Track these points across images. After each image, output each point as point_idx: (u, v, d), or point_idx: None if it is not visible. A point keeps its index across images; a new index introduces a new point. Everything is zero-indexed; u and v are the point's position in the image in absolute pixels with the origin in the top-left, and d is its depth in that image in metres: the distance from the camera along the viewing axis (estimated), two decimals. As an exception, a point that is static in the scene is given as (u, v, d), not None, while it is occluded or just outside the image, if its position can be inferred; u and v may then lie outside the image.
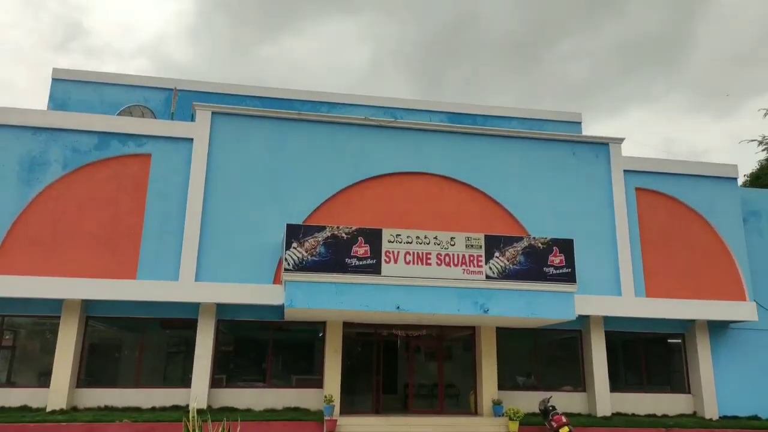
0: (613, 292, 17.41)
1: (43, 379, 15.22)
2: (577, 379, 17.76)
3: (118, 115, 18.56)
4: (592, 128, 67.65)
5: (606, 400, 16.88)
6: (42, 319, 15.86)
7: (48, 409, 14.43)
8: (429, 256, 15.15)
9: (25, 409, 14.49)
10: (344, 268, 14.65)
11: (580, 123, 22.64)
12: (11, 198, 15.49)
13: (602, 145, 18.88)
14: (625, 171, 18.63)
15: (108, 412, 14.57)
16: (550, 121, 22.16)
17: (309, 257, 14.58)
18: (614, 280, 17.54)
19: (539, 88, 67.35)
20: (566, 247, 15.78)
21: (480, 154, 18.13)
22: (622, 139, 19.08)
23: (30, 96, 61.82)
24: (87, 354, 15.83)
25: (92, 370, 15.90)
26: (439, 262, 15.12)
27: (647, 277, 17.79)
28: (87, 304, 15.68)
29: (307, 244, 14.66)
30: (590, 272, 17.13)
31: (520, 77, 67.79)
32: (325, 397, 15.25)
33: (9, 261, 15.04)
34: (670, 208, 18.70)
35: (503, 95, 66.81)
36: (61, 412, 14.35)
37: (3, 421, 13.60)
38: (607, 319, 17.60)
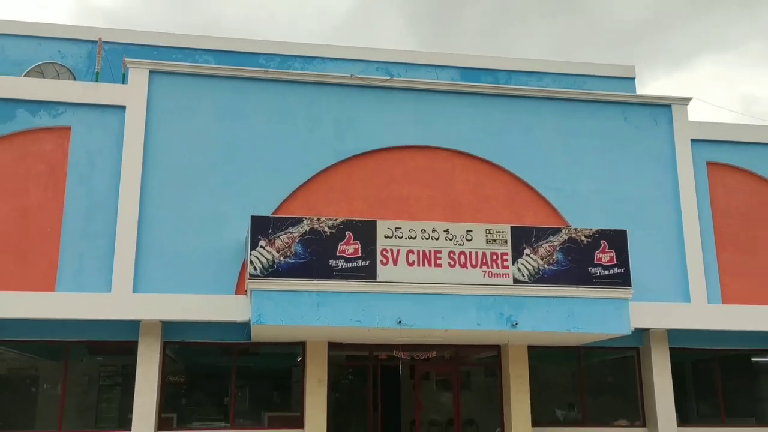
0: (680, 297, 17.54)
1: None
2: (635, 411, 17.95)
3: (24, 76, 18.47)
4: (649, 86, 67.76)
5: (673, 437, 17.04)
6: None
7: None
8: (439, 254, 15.24)
9: None
10: (328, 273, 14.72)
11: (633, 79, 22.72)
12: None
13: (663, 107, 18.96)
14: (692, 140, 18.74)
15: (22, 466, 14.59)
16: (595, 76, 22.23)
17: (282, 259, 14.63)
18: (681, 282, 17.67)
19: (580, 34, 67.24)
20: (618, 240, 15.85)
21: (504, 121, 18.20)
22: (689, 99, 19.17)
23: None
24: (-8, 390, 15.86)
25: (1, 410, 15.90)
26: (452, 262, 15.19)
27: (723, 279, 17.92)
28: (-10, 326, 15.67)
29: (278, 242, 14.70)
30: (649, 273, 17.24)
31: (554, 19, 67.57)
32: (307, 440, 15.34)
33: None
34: (753, 187, 18.82)
35: (533, 44, 66.57)
36: (-40, 467, 14.37)
37: None
38: (672, 333, 17.72)
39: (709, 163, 18.77)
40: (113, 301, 15.44)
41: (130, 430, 15.37)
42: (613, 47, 66.44)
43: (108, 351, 16.82)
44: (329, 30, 66.13)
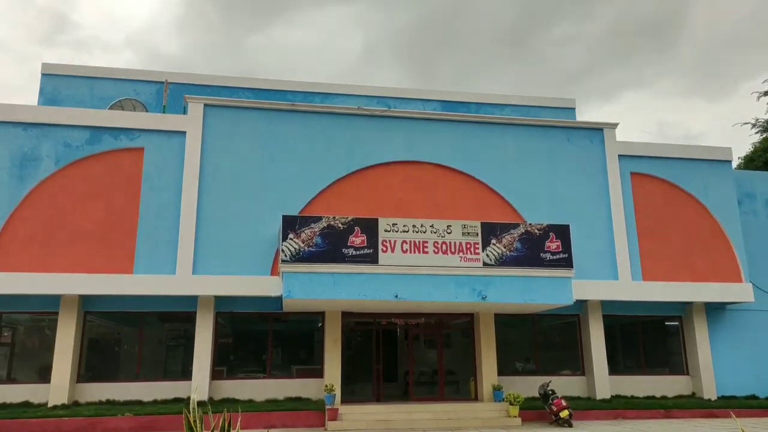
0: (610, 276, 17.60)
1: (44, 374, 15.31)
2: (576, 363, 17.99)
3: (109, 109, 18.54)
4: (586, 114, 67.85)
5: (605, 383, 17.12)
6: (40, 315, 15.92)
7: (49, 405, 14.55)
8: (426, 244, 15.26)
9: (26, 405, 14.60)
10: (341, 258, 14.76)
11: (573, 109, 22.76)
12: (4, 195, 15.52)
13: (596, 131, 18.99)
14: (619, 156, 18.79)
15: (110, 406, 14.70)
16: (544, 107, 22.26)
17: (306, 248, 14.65)
18: (611, 264, 17.72)
19: (532, 76, 67.35)
20: (563, 232, 15.92)
21: (474, 141, 18.23)
22: (616, 124, 19.19)
23: (19, 91, 61.37)
24: (86, 349, 15.94)
25: (92, 365, 16.00)
26: (436, 250, 15.24)
27: (644, 261, 17.99)
28: (84, 300, 15.73)
29: (303, 235, 14.72)
30: (587, 257, 17.30)
31: (512, 65, 67.72)
32: (326, 386, 15.38)
33: (5, 258, 15.08)
34: (666, 191, 18.87)
35: (496, 83, 66.76)
36: (63, 407, 14.45)
37: (5, 417, 13.71)
38: (604, 304, 17.80)
39: (632, 173, 18.83)
40: (177, 281, 15.50)
41: (191, 379, 15.45)
42: (559, 86, 66.59)
43: (173, 319, 16.82)
44: (341, 72, 66.23)
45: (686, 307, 18.48)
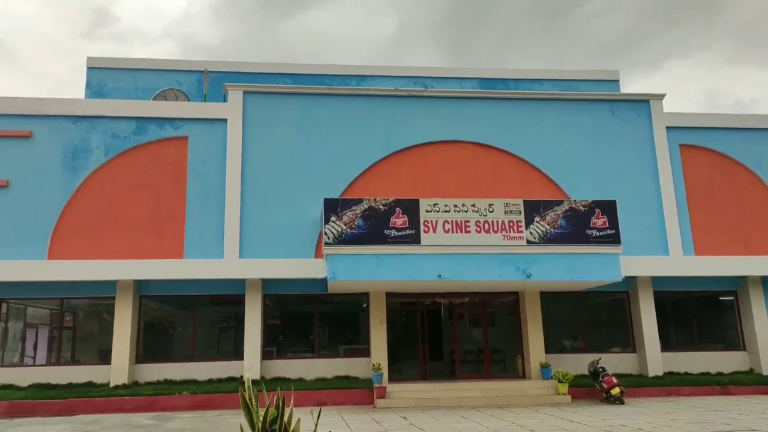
0: (661, 251, 17.19)
1: (104, 356, 16.01)
2: (627, 340, 17.67)
3: (153, 99, 18.98)
4: (630, 86, 65.54)
5: (657, 360, 16.78)
6: (98, 300, 16.61)
7: (111, 384, 15.24)
8: (468, 223, 15.17)
9: (90, 384, 15.33)
10: (383, 240, 14.83)
11: (617, 81, 22.10)
12: (59, 186, 16.17)
13: (642, 102, 18.42)
14: (667, 128, 18.22)
15: (167, 386, 15.29)
16: (586, 81, 21.70)
17: (348, 230, 14.77)
18: (661, 239, 17.29)
19: (573, 49, 65.43)
20: (609, 208, 15.56)
21: (514, 118, 17.95)
22: (663, 95, 18.57)
23: (65, 85, 63.43)
24: (143, 331, 16.55)
25: (149, 346, 16.64)
26: (478, 229, 15.14)
27: (695, 235, 17.48)
28: (139, 285, 16.32)
29: (345, 218, 14.84)
30: (636, 233, 16.93)
31: (552, 38, 65.85)
32: (373, 365, 15.58)
33: (62, 246, 15.77)
34: (717, 163, 18.25)
35: (535, 58, 65.10)
36: (124, 386, 15.12)
37: (72, 396, 14.47)
38: (655, 280, 17.37)
39: (681, 145, 18.26)
40: (225, 265, 15.90)
41: (243, 359, 15.88)
42: (601, 59, 64.46)
43: (223, 302, 17.28)
44: (376, 53, 65.82)
45: (741, 280, 17.86)
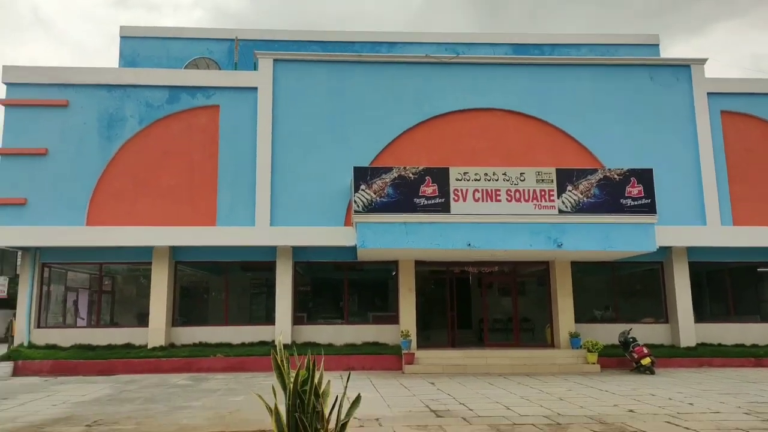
0: (698, 221, 16.78)
1: (142, 319, 16.60)
2: (659, 310, 17.44)
3: (184, 68, 19.11)
4: (670, 50, 63.17)
5: (690, 331, 16.56)
6: (135, 265, 17.14)
7: (149, 346, 15.82)
8: (498, 192, 15.04)
9: (128, 346, 15.95)
10: (413, 208, 14.83)
11: (657, 45, 21.23)
12: (96, 154, 16.57)
13: (683, 67, 17.77)
14: (708, 94, 17.59)
15: (202, 348, 15.84)
16: (624, 45, 20.91)
17: (378, 198, 14.80)
18: (699, 209, 16.88)
19: (611, 12, 63.09)
20: (645, 177, 15.20)
21: (548, 85, 17.55)
22: (705, 60, 17.87)
23: (97, 53, 64.32)
24: (179, 296, 17.04)
25: (184, 310, 17.17)
26: (509, 198, 14.99)
27: (734, 205, 17.02)
28: (174, 250, 16.75)
29: (375, 186, 14.86)
30: (673, 202, 16.56)
31: (589, 1, 63.57)
32: (402, 332, 15.77)
33: (99, 213, 16.25)
34: (761, 130, 17.64)
35: (571, 23, 63.09)
36: (161, 348, 15.70)
37: (112, 357, 15.14)
38: (691, 250, 17.02)
39: (723, 112, 17.62)
40: (257, 233, 16.16)
41: (274, 324, 16.26)
42: (640, 22, 62.07)
43: (255, 268, 17.62)
44: (406, 20, 64.71)
45: (780, 252, 17.34)
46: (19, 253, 17.02)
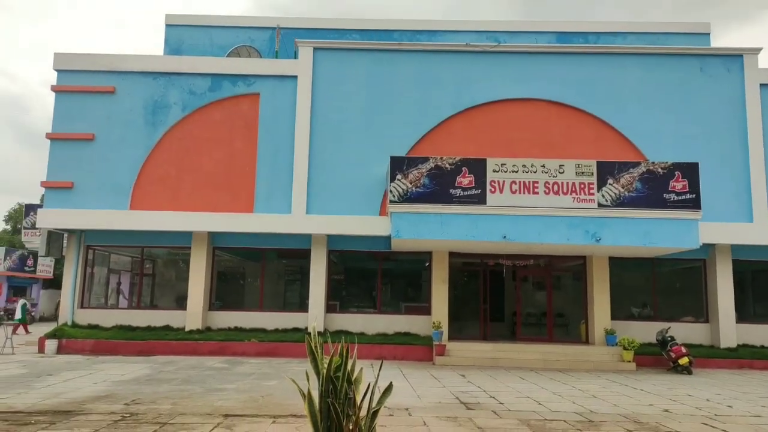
0: (744, 218, 16.24)
1: (180, 302, 17.10)
2: (699, 310, 17.01)
3: (227, 56, 19.41)
4: (722, 39, 60.74)
5: (731, 332, 16.11)
6: (175, 249, 17.65)
7: (186, 329, 16.31)
8: (536, 184, 14.83)
9: (167, 328, 16.47)
10: (449, 199, 14.77)
11: (708, 34, 20.50)
12: (141, 140, 17.03)
13: (735, 57, 17.11)
14: (761, 85, 16.92)
15: (237, 332, 16.24)
16: (673, 34, 20.28)
17: (413, 188, 14.80)
18: (746, 205, 16.33)
19: (656, 1, 61.00)
20: (690, 171, 14.75)
21: (592, 75, 17.16)
22: (759, 49, 17.16)
23: (140, 40, 65.78)
24: (216, 281, 17.46)
25: (221, 295, 17.59)
26: (547, 190, 14.78)
27: (784, 203, 16.28)
28: (212, 236, 17.15)
29: (411, 176, 14.85)
30: (718, 198, 16.06)
31: (637, -12, 61.61)
32: (434, 323, 15.81)
33: (142, 198, 16.74)
34: (815, 124, 16.73)
35: (618, 10, 61.24)
36: (198, 331, 16.16)
37: (151, 338, 15.69)
38: (735, 248, 16.52)
39: (775, 104, 16.87)
40: (293, 221, 16.39)
41: (307, 311, 16.52)
42: (690, 9, 59.85)
43: (290, 256, 17.90)
44: (448, 7, 63.97)
45: (833, 253, 16.64)
46: (65, 235, 17.71)
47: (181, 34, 20.76)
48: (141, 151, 16.99)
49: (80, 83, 17.26)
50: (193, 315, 16.45)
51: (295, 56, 17.87)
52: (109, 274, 17.95)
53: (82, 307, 17.06)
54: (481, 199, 14.76)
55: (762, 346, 16.17)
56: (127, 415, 7.97)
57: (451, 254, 17.02)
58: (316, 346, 5.72)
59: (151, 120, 17.17)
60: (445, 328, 16.03)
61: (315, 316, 16.10)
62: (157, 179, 16.90)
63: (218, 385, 10.70)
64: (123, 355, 15.23)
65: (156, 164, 16.98)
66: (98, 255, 17.74)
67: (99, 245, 17.51)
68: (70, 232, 17.17)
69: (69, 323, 16.63)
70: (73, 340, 15.73)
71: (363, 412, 5.55)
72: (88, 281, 17.36)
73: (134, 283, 17.82)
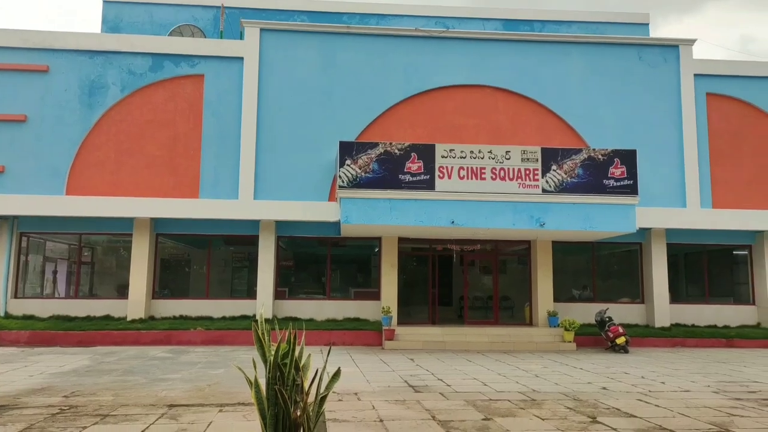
0: (678, 203, 17.05)
1: (122, 291, 16.60)
2: (636, 291, 17.83)
3: (169, 35, 18.77)
4: (661, 30, 63.07)
5: (665, 312, 16.97)
6: (115, 236, 17.08)
7: (128, 318, 15.86)
8: (483, 170, 15.09)
9: (108, 318, 15.96)
10: (398, 184, 14.86)
11: (647, 25, 21.33)
12: (76, 122, 16.32)
13: (672, 48, 17.83)
14: (695, 75, 17.70)
15: (183, 321, 15.90)
16: (615, 23, 20.99)
17: (363, 174, 14.80)
18: (679, 191, 17.14)
19: (603, -11, 62.71)
20: (629, 158, 15.35)
21: (537, 62, 17.52)
22: (693, 41, 17.93)
23: (80, 18, 62.58)
24: (159, 268, 17.02)
25: (165, 283, 17.18)
26: (494, 176, 15.07)
27: (715, 188, 17.30)
28: (155, 222, 16.69)
29: (360, 161, 14.84)
30: (654, 184, 16.78)
31: (582, -23, 63.09)
32: (383, 308, 15.96)
33: (80, 182, 16.07)
34: (744, 113, 17.81)
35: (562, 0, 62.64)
36: (140, 321, 15.73)
37: (91, 329, 15.13)
38: (669, 232, 17.35)
39: (708, 94, 17.77)
40: (240, 206, 16.12)
41: (255, 298, 16.35)
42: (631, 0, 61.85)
43: (237, 242, 17.64)
44: (397, -9, 63.83)
45: (757, 235, 17.75)
46: (-3, 221, 16.84)
47: (120, 10, 19.91)
48: (77, 133, 16.27)
49: (10, 61, 16.31)
50: (136, 304, 15.99)
51: (241, 37, 17.45)
52: (45, 262, 17.18)
53: (15, 297, 16.30)
54: (430, 185, 14.91)
55: (693, 325, 17.13)
56: (66, 408, 7.71)
57: (401, 240, 17.17)
58: (263, 333, 5.68)
59: (88, 101, 16.44)
60: (394, 313, 16.20)
61: (263, 303, 15.95)
62: (95, 163, 16.24)
63: (162, 375, 10.48)
64: (61, 346, 14.66)
65: (94, 147, 16.30)
66: (33, 242, 16.94)
67: (33, 232, 16.73)
68: (2, 218, 16.30)
69: (2, 314, 15.87)
70: (7, 331, 15.00)
71: (311, 398, 5.57)
72: (22, 270, 16.59)
73: (72, 271, 17.13)
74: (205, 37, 19.26)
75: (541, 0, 62.45)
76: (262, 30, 17.03)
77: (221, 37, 18.98)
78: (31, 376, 10.29)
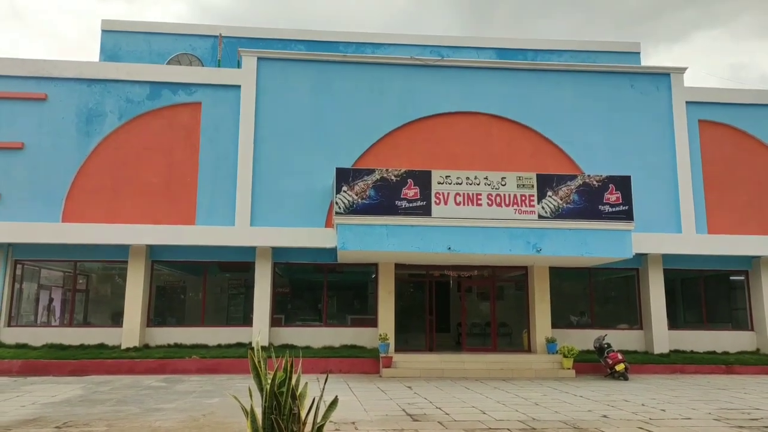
0: (673, 229, 17.11)
1: (116, 319, 16.42)
2: (634, 317, 17.75)
3: (167, 64, 18.95)
4: (652, 58, 64.13)
5: (664, 338, 16.87)
6: (111, 263, 16.96)
7: (123, 347, 15.65)
8: (479, 196, 15.16)
9: (102, 346, 15.75)
10: (394, 211, 14.89)
11: (638, 53, 21.65)
12: (73, 149, 16.38)
13: (663, 76, 18.10)
14: (687, 102, 17.93)
15: (178, 349, 15.69)
16: (606, 52, 21.30)
17: (359, 200, 14.83)
18: (674, 217, 17.23)
19: (594, 18, 63.98)
20: (623, 184, 15.45)
21: (531, 90, 17.76)
22: (684, 69, 18.23)
23: (78, 48, 63.31)
24: (155, 296, 16.87)
25: (160, 310, 17.01)
26: (489, 202, 15.12)
27: (709, 213, 17.39)
28: (151, 249, 16.59)
29: (356, 188, 14.88)
30: (649, 210, 16.86)
31: (574, 7, 64.37)
32: (380, 335, 15.82)
33: (75, 209, 16.05)
34: (736, 140, 18.01)
35: (555, 28, 63.79)
36: (135, 349, 15.52)
37: (84, 357, 14.90)
38: (666, 257, 17.35)
39: (700, 121, 18.01)
40: (236, 232, 16.10)
41: (252, 325, 16.20)
42: (622, 28, 63.06)
43: (233, 269, 17.54)
44: (391, 21, 64.89)
45: (753, 260, 17.77)
46: (-9, 248, 16.72)
47: (118, 40, 20.13)
48: (74, 160, 16.32)
49: (9, 89, 16.44)
50: (130, 332, 15.81)
51: (239, 65, 17.66)
52: (39, 290, 17.02)
53: (9, 325, 16.11)
54: (426, 211, 14.95)
55: (692, 351, 17.01)
56: (58, 439, 7.56)
57: (397, 266, 17.12)
58: (259, 361, 5.63)
59: (85, 129, 16.53)
60: (391, 340, 16.06)
61: (259, 331, 15.80)
62: (91, 190, 16.24)
63: (156, 405, 10.31)
64: (54, 375, 14.42)
65: (90, 175, 16.33)
66: (27, 270, 16.82)
67: (28, 260, 16.62)
68: (-4, 245, 16.21)
69: (-6, 343, 15.65)
70: (-1, 360, 14.78)
71: (308, 428, 5.48)
72: (17, 298, 16.42)
73: (66, 299, 16.97)
74: (203, 65, 19.47)
75: (534, 29, 63.60)
76: (259, 59, 17.25)
77: (219, 66, 19.19)
78: (23, 406, 10.10)
